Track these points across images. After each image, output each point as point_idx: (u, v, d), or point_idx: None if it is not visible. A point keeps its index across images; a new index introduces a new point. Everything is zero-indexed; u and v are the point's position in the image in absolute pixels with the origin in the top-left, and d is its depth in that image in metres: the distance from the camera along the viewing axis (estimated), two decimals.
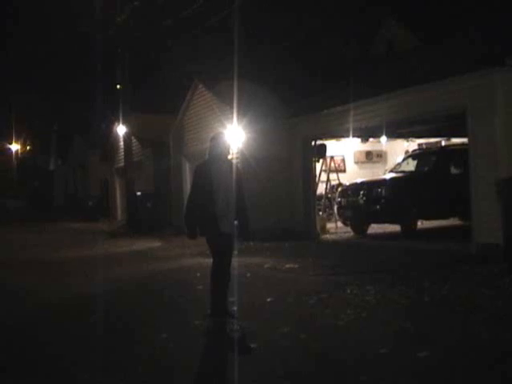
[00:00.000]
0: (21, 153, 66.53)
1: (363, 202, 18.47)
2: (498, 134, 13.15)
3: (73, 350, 7.77)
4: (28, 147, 67.37)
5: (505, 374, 5.99)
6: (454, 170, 18.47)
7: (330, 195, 22.74)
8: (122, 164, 30.87)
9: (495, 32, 14.66)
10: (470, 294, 9.42)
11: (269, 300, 9.99)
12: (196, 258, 15.27)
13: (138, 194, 27.82)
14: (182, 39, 33.17)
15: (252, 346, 7.43)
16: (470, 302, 8.96)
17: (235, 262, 11.14)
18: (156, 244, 20.84)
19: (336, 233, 20.55)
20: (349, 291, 10.24)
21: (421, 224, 19.08)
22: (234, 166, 8.97)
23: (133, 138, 29.08)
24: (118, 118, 29.03)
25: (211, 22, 26.76)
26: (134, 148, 29.23)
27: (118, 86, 29.01)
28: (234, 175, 8.71)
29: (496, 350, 6.68)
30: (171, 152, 26.09)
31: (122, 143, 30.17)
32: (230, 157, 9.27)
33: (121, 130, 29.04)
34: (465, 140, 15.23)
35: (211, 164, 8.72)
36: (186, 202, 9.00)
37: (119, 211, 34.45)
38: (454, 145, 20.93)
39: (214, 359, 7.27)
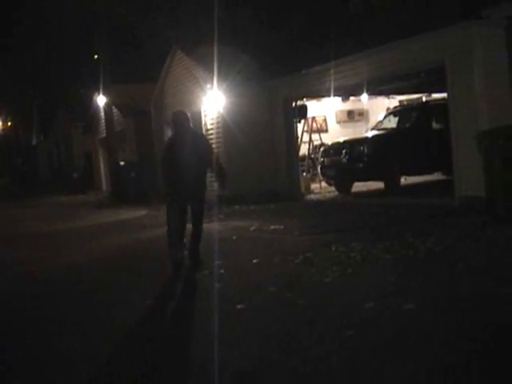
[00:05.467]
0: (2, 129, 66.07)
1: (346, 160, 18.49)
2: (476, 87, 13.18)
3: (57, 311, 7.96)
4: (9, 123, 66.84)
5: (485, 322, 6.06)
6: (435, 125, 18.49)
7: (312, 156, 22.75)
8: (104, 135, 30.75)
9: None
10: (454, 246, 9.52)
11: (255, 261, 10.04)
12: None
13: (122, 163, 27.73)
14: (161, 5, 32.91)
15: (238, 306, 7.46)
16: (454, 254, 9.05)
17: (222, 225, 11.22)
18: (142, 212, 20.83)
19: (320, 193, 20.63)
20: (334, 249, 10.30)
21: (404, 180, 19.16)
22: (200, 136, 10.57)
23: (114, 107, 28.92)
24: (99, 89, 28.83)
25: None
26: (115, 118, 29.09)
27: (96, 56, 28.81)
28: (201, 145, 10.15)
29: (479, 300, 6.75)
30: (153, 120, 26.01)
31: (103, 114, 30.01)
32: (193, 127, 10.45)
33: (101, 100, 28.87)
34: (445, 95, 15.24)
35: (178, 138, 10.13)
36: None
37: (104, 182, 34.38)
38: (435, 100, 20.93)
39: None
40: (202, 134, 11.13)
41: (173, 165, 9.87)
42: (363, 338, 5.92)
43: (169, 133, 24.38)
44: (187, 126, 10.10)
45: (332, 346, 5.78)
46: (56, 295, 9.28)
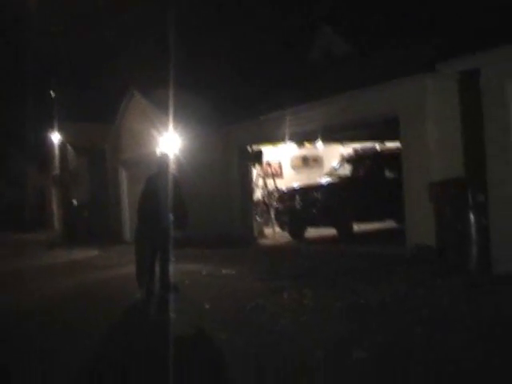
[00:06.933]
0: None
1: (300, 206, 18.62)
2: (428, 139, 13.41)
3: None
4: None
5: (438, 369, 6.12)
6: (388, 174, 18.71)
7: (267, 200, 22.82)
8: (58, 173, 30.49)
9: (428, 39, 14.90)
10: (405, 295, 9.59)
11: (207, 307, 10.01)
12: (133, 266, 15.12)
13: (74, 203, 27.50)
14: (120, 48, 32.94)
15: (193, 353, 7.42)
16: (404, 303, 9.12)
17: (172, 268, 11.18)
18: (94, 253, 20.63)
19: (273, 238, 20.66)
20: (286, 296, 10.32)
21: (357, 227, 19.31)
22: (174, 178, 11.70)
23: (68, 146, 28.76)
24: (53, 127, 28.67)
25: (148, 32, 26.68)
26: (70, 156, 28.90)
27: (53, 94, 28.68)
28: (174, 185, 11.32)
29: (428, 349, 6.81)
30: (108, 160, 25.90)
31: (57, 152, 29.79)
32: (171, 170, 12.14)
33: (56, 138, 28.71)
34: (399, 144, 15.47)
35: (158, 176, 11.52)
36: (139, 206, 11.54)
37: (56, 221, 34.01)
38: (389, 149, 21.20)
39: None
40: (177, 177, 12.19)
41: (151, 196, 11.23)
42: None
43: (123, 173, 24.41)
44: (168, 168, 11.68)
45: None
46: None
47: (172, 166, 12.65)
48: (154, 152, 21.19)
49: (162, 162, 11.82)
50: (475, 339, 7.04)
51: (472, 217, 11.16)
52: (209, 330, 8.44)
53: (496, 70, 10.76)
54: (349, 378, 6.13)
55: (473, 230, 11.17)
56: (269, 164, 23.73)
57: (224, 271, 13.73)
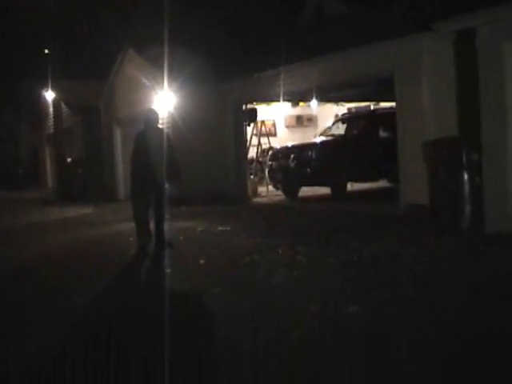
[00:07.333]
0: None
1: (294, 165, 18.66)
2: (424, 99, 13.45)
3: None
4: None
5: (422, 323, 6.23)
6: (382, 134, 18.76)
7: (261, 159, 22.89)
8: (51, 131, 30.38)
9: None
10: (398, 253, 9.70)
11: (202, 262, 10.11)
12: (127, 223, 15.21)
13: (69, 160, 27.47)
14: (114, 4, 32.69)
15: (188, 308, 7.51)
16: (398, 260, 9.23)
17: (168, 226, 11.26)
18: (88, 211, 20.70)
19: (267, 196, 20.75)
20: (280, 252, 10.43)
21: (351, 187, 19.42)
22: (164, 133, 11.96)
23: (63, 104, 28.63)
24: (48, 85, 28.50)
25: None
26: (64, 115, 28.75)
27: (47, 51, 28.47)
28: (165, 139, 11.50)
29: (419, 305, 6.92)
30: (102, 117, 25.84)
31: (51, 110, 29.65)
32: (160, 125, 12.62)
33: (50, 96, 28.58)
34: (393, 104, 15.51)
35: (146, 132, 11.63)
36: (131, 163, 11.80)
37: (50, 179, 33.97)
38: (383, 109, 21.24)
39: None
40: (166, 132, 12.50)
41: (141, 152, 11.34)
42: (309, 340, 6.03)
43: (117, 131, 24.39)
44: (155, 123, 11.87)
45: (277, 349, 5.87)
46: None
47: (160, 122, 12.90)
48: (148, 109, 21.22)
49: (150, 118, 11.90)
50: (467, 295, 7.15)
51: (465, 176, 11.25)
52: (203, 285, 8.51)
53: (492, 30, 10.75)
54: (342, 332, 6.23)
55: (466, 190, 11.26)
56: (263, 123, 23.73)
57: (219, 228, 13.82)
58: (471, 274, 8.15)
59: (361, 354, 5.57)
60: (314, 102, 22.60)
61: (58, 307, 7.90)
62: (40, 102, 33.15)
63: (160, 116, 12.65)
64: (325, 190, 18.90)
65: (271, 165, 20.08)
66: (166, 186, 11.45)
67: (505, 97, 10.66)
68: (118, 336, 6.47)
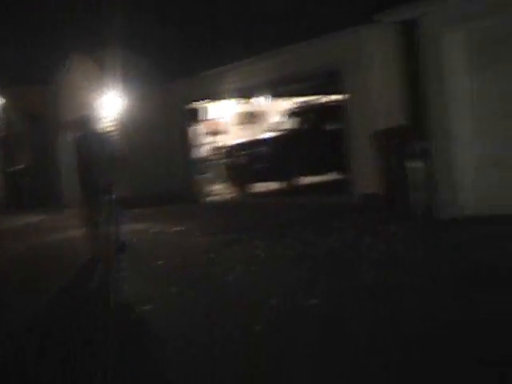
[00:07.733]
0: None
1: (245, 161, 18.65)
2: (370, 89, 13.56)
3: None
4: None
5: (384, 313, 6.26)
6: (330, 126, 18.79)
7: (212, 157, 22.81)
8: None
9: None
10: (353, 242, 9.73)
11: (157, 263, 10.03)
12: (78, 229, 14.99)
13: (18, 168, 27.10)
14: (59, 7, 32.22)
15: (145, 307, 7.45)
16: (353, 249, 9.27)
17: (121, 229, 11.16)
18: (39, 218, 20.40)
19: (220, 194, 20.69)
20: (236, 249, 10.39)
21: (303, 180, 19.45)
22: (103, 136, 11.94)
23: (9, 110, 28.21)
24: None
25: None
26: (11, 120, 28.35)
27: None
28: (104, 143, 11.30)
29: (378, 293, 6.95)
30: (49, 123, 25.51)
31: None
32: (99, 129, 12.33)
33: None
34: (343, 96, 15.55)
35: (84, 138, 11.27)
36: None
37: None
38: (331, 101, 21.29)
39: None
40: (105, 134, 12.74)
41: (83, 158, 11.06)
42: (267, 334, 6.02)
43: (66, 136, 24.05)
44: (92, 128, 11.46)
45: (235, 345, 5.85)
46: None
47: (100, 126, 12.84)
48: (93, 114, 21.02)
49: (85, 123, 11.56)
50: (424, 282, 7.20)
51: (417, 164, 11.35)
52: (159, 286, 8.46)
53: (432, 20, 10.87)
54: (300, 324, 6.23)
55: (418, 177, 11.37)
56: (214, 121, 23.66)
57: (173, 228, 13.74)
58: (427, 260, 8.21)
59: (320, 346, 5.56)
60: (263, 98, 22.58)
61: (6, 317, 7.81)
62: None
63: (98, 120, 12.71)
64: (278, 185, 18.89)
65: (223, 162, 20.03)
66: (113, 189, 11.09)
67: (444, 84, 10.80)
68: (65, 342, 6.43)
